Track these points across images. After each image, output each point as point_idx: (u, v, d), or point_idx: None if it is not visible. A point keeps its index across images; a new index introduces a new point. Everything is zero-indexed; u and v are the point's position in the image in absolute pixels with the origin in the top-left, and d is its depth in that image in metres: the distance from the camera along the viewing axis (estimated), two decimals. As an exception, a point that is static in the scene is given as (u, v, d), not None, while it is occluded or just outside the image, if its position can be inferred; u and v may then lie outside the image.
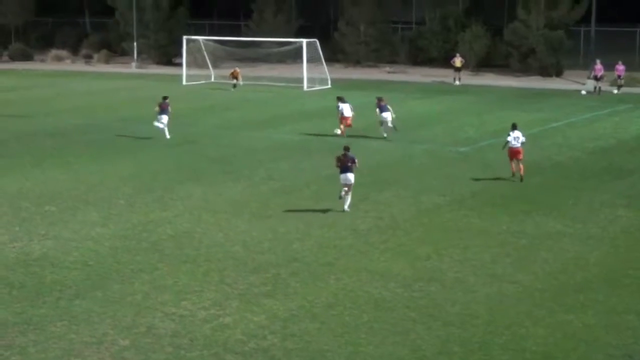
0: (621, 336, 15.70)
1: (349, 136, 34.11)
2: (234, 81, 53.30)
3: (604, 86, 52.16)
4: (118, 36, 74.35)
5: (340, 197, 24.04)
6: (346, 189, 23.98)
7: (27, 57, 75.90)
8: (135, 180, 28.08)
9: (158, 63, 71.27)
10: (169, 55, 71.23)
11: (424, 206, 24.85)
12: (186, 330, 15.90)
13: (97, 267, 19.46)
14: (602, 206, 24.79)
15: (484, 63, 64.03)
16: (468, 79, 59.07)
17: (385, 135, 35.33)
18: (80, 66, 72.20)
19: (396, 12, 74.11)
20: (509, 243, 21.25)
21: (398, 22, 73.08)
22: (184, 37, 60.18)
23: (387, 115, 35.13)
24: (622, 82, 52.26)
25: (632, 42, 63.02)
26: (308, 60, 54.72)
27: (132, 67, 69.22)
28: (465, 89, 54.91)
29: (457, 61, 57.68)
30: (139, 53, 70.42)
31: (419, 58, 68.50)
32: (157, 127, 35.42)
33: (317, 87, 53.33)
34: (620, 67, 52.17)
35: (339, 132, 35.43)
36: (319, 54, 55.60)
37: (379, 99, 35.78)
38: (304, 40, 55.21)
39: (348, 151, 24.39)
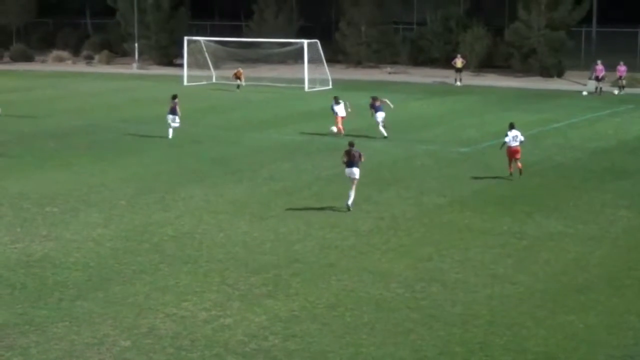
0: (622, 337, 15.69)
1: (347, 135, 34.08)
2: (238, 82, 53.36)
3: (605, 87, 52.14)
4: (119, 37, 74.46)
5: (350, 209, 24.08)
6: (351, 195, 24.15)
7: (28, 58, 76.03)
8: (136, 181, 28.09)
9: (159, 64, 71.36)
10: (170, 56, 71.32)
11: (425, 207, 24.85)
12: (187, 331, 15.90)
13: (99, 268, 19.47)
14: (604, 207, 24.78)
15: (485, 64, 64.08)
16: (469, 79, 59.09)
17: (385, 134, 35.39)
18: (81, 67, 72.29)
19: (397, 13, 74.22)
20: (510, 244, 21.25)
21: (399, 23, 73.13)
22: (185, 38, 60.22)
23: (380, 116, 35.48)
24: (624, 82, 52.22)
25: (633, 42, 63.00)
26: (309, 61, 54.75)
27: (133, 68, 69.28)
28: (466, 89, 54.93)
29: (458, 62, 57.71)
30: (140, 54, 70.48)
31: (420, 59, 68.56)
32: (174, 127, 35.65)
33: (318, 88, 53.34)
34: (622, 68, 52.14)
35: (334, 129, 35.77)
36: (320, 54, 55.65)
37: (374, 99, 36.00)
38: (305, 41, 55.24)
39: (353, 146, 24.68)
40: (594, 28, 62.08)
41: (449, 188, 27.03)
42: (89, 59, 74.98)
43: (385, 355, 14.95)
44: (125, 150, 33.70)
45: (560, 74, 60.86)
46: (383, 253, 20.52)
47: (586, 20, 61.42)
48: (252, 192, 26.68)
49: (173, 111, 35.72)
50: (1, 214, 24.08)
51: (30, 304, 17.23)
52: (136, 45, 70.28)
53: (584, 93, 51.82)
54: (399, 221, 23.24)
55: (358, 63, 69.09)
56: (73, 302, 17.35)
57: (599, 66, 51.88)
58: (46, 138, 36.30)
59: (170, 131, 35.58)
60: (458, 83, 57.37)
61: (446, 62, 62.44)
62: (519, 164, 28.07)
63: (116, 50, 75.63)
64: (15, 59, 75.86)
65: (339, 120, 36.05)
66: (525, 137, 28.61)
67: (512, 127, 28.24)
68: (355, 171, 24.30)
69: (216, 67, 60.28)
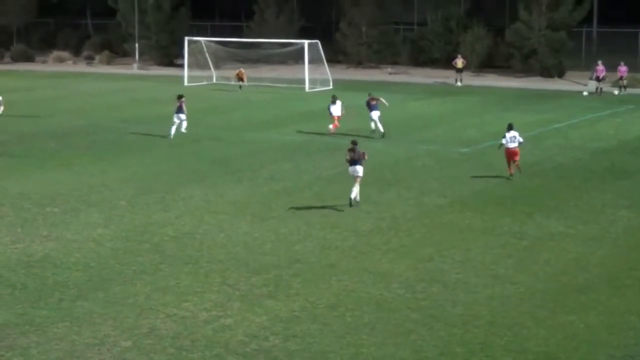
0: (623, 337, 15.69)
1: (347, 134, 34.07)
2: (240, 82, 53.38)
3: (606, 87, 52.13)
4: (120, 37, 74.48)
5: (351, 205, 24.38)
6: (355, 190, 24.36)
7: (28, 58, 76.04)
8: (137, 181, 28.10)
9: (160, 64, 71.38)
10: (170, 57, 71.33)
11: (426, 207, 24.85)
12: (188, 332, 15.90)
13: (99, 268, 19.47)
14: (604, 207, 24.78)
15: (485, 64, 64.09)
16: (470, 79, 59.09)
17: (382, 131, 35.68)
18: (81, 67, 72.30)
19: (398, 13, 74.27)
20: (511, 244, 21.25)
21: (400, 23, 73.17)
22: (186, 38, 60.20)
23: (375, 114, 35.78)
24: (625, 82, 52.14)
25: (633, 43, 62.98)
26: (310, 61, 54.76)
27: (134, 68, 69.29)
28: (467, 89, 54.94)
29: (459, 62, 57.71)
30: (140, 54, 70.49)
31: (421, 59, 68.57)
32: (182, 124, 35.95)
33: (319, 88, 53.33)
34: (623, 69, 52.08)
35: (331, 127, 36.29)
36: (321, 55, 55.67)
37: (370, 98, 36.19)
38: (306, 42, 55.27)
39: (356, 145, 24.92)
40: (595, 28, 62.09)
41: (449, 188, 27.03)
42: (90, 59, 75.00)
43: (386, 355, 14.95)
44: (125, 150, 33.70)
45: (560, 75, 60.86)
46: (384, 253, 20.52)
47: (587, 20, 61.43)
48: (252, 192, 26.68)
49: (180, 110, 35.86)
50: (2, 214, 24.09)
51: (31, 304, 17.23)
52: (137, 45, 70.29)
53: (585, 93, 51.81)
54: (400, 221, 23.23)
55: (359, 63, 69.10)
56: (73, 302, 17.35)
57: (600, 66, 51.86)
58: (47, 138, 36.31)
59: (173, 129, 35.72)
60: (459, 83, 57.37)
61: (447, 63, 62.44)
62: (517, 164, 28.11)
63: (117, 50, 75.64)
64: (15, 59, 75.89)
65: (335, 119, 36.49)
66: (524, 138, 28.59)
67: (510, 127, 28.22)
68: (359, 169, 24.53)
69: (217, 67, 60.30)
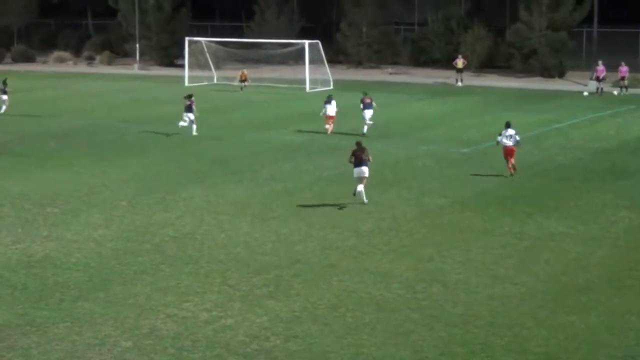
0: (623, 337, 15.69)
1: (346, 134, 34.11)
2: (244, 83, 53.41)
3: (607, 87, 52.12)
4: (120, 37, 74.51)
5: (355, 194, 24.51)
6: (362, 185, 24.52)
7: (29, 59, 76.07)
8: (137, 181, 28.10)
9: (160, 64, 71.41)
10: (171, 57, 71.36)
11: (426, 207, 24.85)
12: (188, 332, 15.90)
13: (100, 268, 19.48)
14: (605, 207, 24.78)
15: (486, 64, 64.09)
16: (470, 80, 59.09)
17: (365, 131, 36.00)
18: (82, 68, 72.33)
19: (398, 14, 74.29)
20: (511, 244, 21.25)
21: (400, 24, 73.19)
22: (186, 39, 60.19)
23: (368, 113, 36.15)
24: (627, 83, 52.03)
25: (634, 43, 62.96)
26: (310, 62, 54.78)
27: (135, 69, 69.32)
28: (467, 90, 54.93)
29: (460, 62, 57.72)
30: (141, 54, 70.51)
31: (421, 59, 68.58)
32: (182, 126, 36.25)
33: (320, 89, 53.31)
34: (624, 69, 52.01)
35: (328, 126, 36.66)
36: (321, 55, 55.69)
37: (365, 97, 36.69)
38: (306, 42, 55.28)
39: (361, 146, 25.01)
40: (595, 28, 62.05)
41: (450, 189, 27.03)
42: (90, 59, 75.01)
43: (386, 355, 14.95)
44: (126, 150, 33.71)
45: (561, 75, 60.85)
46: (384, 254, 20.52)
47: (587, 20, 61.41)
48: (253, 192, 26.68)
49: (189, 109, 36.27)
50: (2, 214, 24.10)
51: (31, 304, 17.23)
52: (137, 45, 70.31)
53: (585, 93, 51.80)
54: (400, 222, 23.24)
55: (359, 64, 69.10)
56: (74, 302, 17.35)
57: (600, 67, 51.84)
58: (47, 138, 36.32)
59: (181, 123, 36.28)
60: (459, 83, 57.37)
61: (447, 63, 62.44)
62: (513, 161, 28.26)
63: (117, 51, 75.66)
64: (16, 59, 75.90)
65: (330, 119, 36.79)
66: (524, 138, 28.62)
67: (508, 125, 28.42)
68: (365, 170, 24.66)
69: (217, 67, 60.33)
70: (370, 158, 24.94)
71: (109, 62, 73.49)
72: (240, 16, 79.35)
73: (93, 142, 35.71)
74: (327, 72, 55.28)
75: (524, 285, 18.33)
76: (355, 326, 16.16)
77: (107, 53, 74.60)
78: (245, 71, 54.59)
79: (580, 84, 55.29)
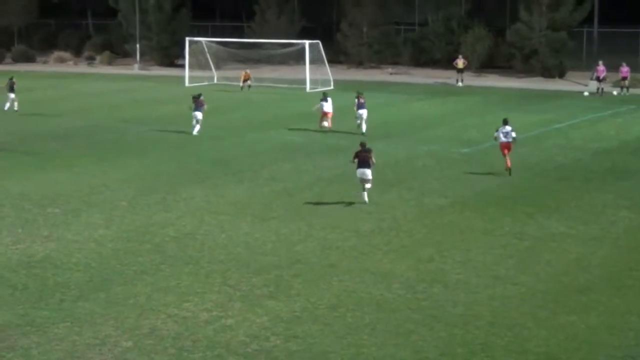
0: (624, 337, 15.69)
1: (345, 133, 34.14)
2: (247, 83, 53.43)
3: (607, 87, 52.10)
4: (121, 38, 74.50)
5: (362, 195, 24.72)
6: (368, 185, 24.72)
7: (29, 59, 76.07)
8: (137, 182, 28.11)
9: (161, 64, 71.41)
10: (171, 57, 71.36)
11: (427, 207, 24.85)
12: (189, 332, 15.91)
13: (100, 268, 19.48)
14: (605, 207, 24.77)
15: (486, 64, 64.08)
16: (471, 80, 59.09)
17: (364, 130, 36.04)
18: (82, 68, 72.34)
19: (399, 14, 74.24)
20: (512, 244, 21.25)
21: (401, 24, 73.17)
22: (187, 39, 60.17)
23: (363, 113, 36.39)
24: (628, 83, 51.93)
25: (634, 43, 62.93)
26: (311, 62, 54.77)
27: (135, 69, 69.32)
28: (468, 90, 54.93)
29: (460, 62, 57.72)
30: (141, 55, 70.51)
31: (422, 59, 68.56)
32: (198, 121, 36.93)
33: (320, 89, 53.25)
34: (625, 69, 51.90)
35: (326, 124, 36.91)
36: (322, 55, 55.68)
37: (359, 96, 36.79)
38: (307, 42, 55.27)
39: (365, 147, 25.06)
40: (596, 29, 62.05)
41: (450, 189, 27.03)
42: (91, 59, 75.01)
43: (387, 356, 14.95)
44: (126, 150, 33.72)
45: (561, 75, 60.83)
46: (384, 254, 20.52)
47: (587, 20, 61.40)
48: (253, 192, 26.68)
49: (198, 107, 36.75)
50: (3, 214, 24.10)
51: (32, 304, 17.24)
52: (138, 46, 70.31)
53: (586, 93, 51.78)
54: (401, 222, 23.24)
55: (359, 64, 69.10)
56: (74, 302, 17.36)
57: (601, 67, 51.80)
58: (48, 138, 36.32)
59: (198, 127, 36.67)
60: (459, 84, 57.37)
61: (448, 63, 62.43)
62: (508, 161, 28.35)
63: (118, 51, 75.65)
64: (16, 59, 75.90)
65: (328, 115, 37.09)
66: (520, 136, 28.69)
67: (505, 122, 28.70)
68: (368, 172, 24.68)
69: (217, 67, 60.33)
70: (374, 160, 24.93)
71: (110, 63, 73.50)
72: (241, 16, 79.33)
73: (93, 142, 35.72)
74: (328, 72, 55.27)
75: (525, 285, 18.33)
76: (355, 326, 16.16)
77: (107, 53, 74.61)
78: (249, 71, 54.64)
79: (580, 84, 55.28)
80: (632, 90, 51.83)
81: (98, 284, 18.48)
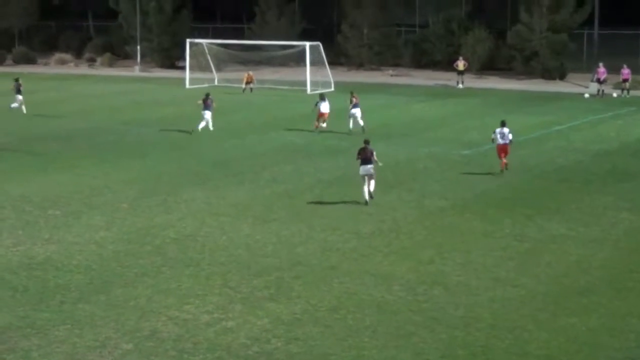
0: (624, 339, 15.69)
1: (346, 133, 34.16)
2: (250, 85, 53.47)
3: (607, 89, 52.10)
4: (121, 39, 74.47)
5: (366, 198, 24.80)
6: (372, 183, 24.81)
7: (30, 61, 76.07)
8: (138, 183, 28.11)
9: (161, 66, 71.40)
10: (172, 59, 71.34)
11: (427, 209, 24.85)
12: (189, 334, 15.91)
13: (101, 270, 19.48)
14: (606, 209, 24.77)
15: (487, 66, 64.09)
16: (471, 82, 59.09)
17: (350, 128, 36.68)
18: (83, 69, 72.34)
19: (399, 15, 74.21)
20: (512, 246, 21.25)
21: (401, 26, 73.15)
22: (187, 40, 60.16)
23: (357, 112, 36.87)
24: (628, 86, 51.90)
25: (634, 45, 62.92)
26: (311, 64, 54.76)
27: (136, 71, 69.34)
28: (468, 92, 54.94)
29: (461, 64, 57.73)
30: (142, 56, 70.52)
31: (423, 61, 68.56)
32: (206, 120, 37.55)
33: (321, 90, 53.26)
34: (626, 71, 51.87)
35: (325, 125, 37.13)
36: (322, 57, 55.69)
37: (353, 96, 37.52)
38: (307, 44, 55.28)
39: (368, 144, 25.27)
40: (596, 30, 62.11)
41: (450, 191, 27.03)
42: (92, 61, 75.01)
43: (388, 358, 14.96)
44: (127, 152, 33.72)
45: (562, 77, 60.84)
46: (385, 256, 20.52)
47: (588, 22, 61.42)
48: (254, 194, 26.69)
49: (207, 106, 37.37)
50: (3, 216, 24.10)
51: (32, 306, 17.24)
52: (138, 47, 70.31)
53: (586, 95, 51.78)
54: (401, 224, 23.24)
55: (360, 65, 69.11)
56: (75, 304, 17.36)
57: (601, 69, 51.83)
58: (49, 140, 36.33)
59: (202, 124, 37.25)
60: (460, 85, 57.38)
61: (448, 65, 62.42)
62: (505, 161, 28.56)
63: (118, 52, 75.63)
64: (17, 61, 75.89)
65: (325, 116, 37.34)
66: (520, 138, 28.77)
67: (503, 124, 28.89)
68: (370, 168, 24.89)
69: (218, 69, 60.34)
70: (375, 158, 25.06)
71: (110, 64, 73.49)
72: (242, 18, 79.35)
73: (94, 144, 35.73)
74: (328, 73, 55.28)
75: (525, 287, 18.33)
76: (356, 328, 16.16)
77: (108, 55, 74.60)
78: (251, 73, 54.68)
79: (581, 86, 55.29)
80: (632, 92, 51.84)
81: (99, 286, 18.49)
